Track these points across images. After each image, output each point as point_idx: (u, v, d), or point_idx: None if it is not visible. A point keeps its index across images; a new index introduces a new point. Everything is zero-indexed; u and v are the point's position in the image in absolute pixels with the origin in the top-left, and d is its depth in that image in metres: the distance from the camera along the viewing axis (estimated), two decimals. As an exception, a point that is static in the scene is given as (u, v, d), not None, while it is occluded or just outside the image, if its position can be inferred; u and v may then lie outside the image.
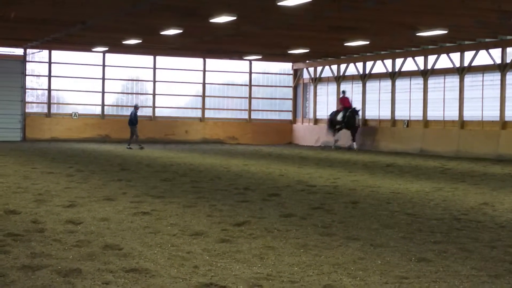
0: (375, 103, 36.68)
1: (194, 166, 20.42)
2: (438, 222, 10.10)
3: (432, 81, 33.11)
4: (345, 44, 31.15)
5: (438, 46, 31.83)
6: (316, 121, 41.01)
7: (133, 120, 31.97)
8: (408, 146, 33.30)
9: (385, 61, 35.63)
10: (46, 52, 38.24)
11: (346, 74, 38.78)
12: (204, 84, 41.27)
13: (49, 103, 38.67)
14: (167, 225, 9.28)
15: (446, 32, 25.84)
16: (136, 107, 32.53)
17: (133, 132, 31.96)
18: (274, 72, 43.29)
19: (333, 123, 35.33)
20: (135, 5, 22.14)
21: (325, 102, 40.37)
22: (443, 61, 32.14)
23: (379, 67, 36.28)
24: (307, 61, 41.22)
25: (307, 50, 34.89)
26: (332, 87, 39.83)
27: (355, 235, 8.81)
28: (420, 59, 33.51)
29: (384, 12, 22.65)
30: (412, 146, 32.92)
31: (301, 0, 19.94)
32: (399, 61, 34.91)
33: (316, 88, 41.17)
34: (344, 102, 35.22)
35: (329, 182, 16.10)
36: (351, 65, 38.11)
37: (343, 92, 36.05)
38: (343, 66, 38.93)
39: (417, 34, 26.75)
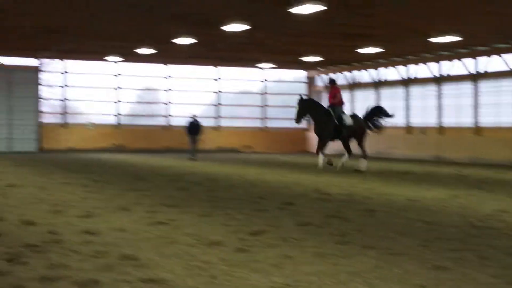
0: (389, 110, 36.55)
1: (209, 175, 20.41)
2: (455, 230, 10.04)
3: (447, 87, 33.01)
4: (358, 51, 31.14)
5: (452, 53, 31.74)
6: (330, 128, 40.91)
7: (198, 129, 31.36)
8: (423, 153, 33.19)
9: (398, 67, 35.55)
10: (60, 62, 38.44)
11: (359, 81, 38.72)
12: (218, 92, 41.33)
13: (64, 113, 38.85)
14: (183, 234, 9.26)
15: (459, 38, 25.78)
16: (194, 117, 31.80)
17: (196, 141, 31.36)
18: (288, 80, 43.29)
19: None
20: (148, 14, 22.22)
21: (339, 109, 40.28)
22: (457, 67, 32.03)
23: (392, 74, 36.21)
24: (321, 69, 41.21)
25: (321, 58, 34.88)
26: (346, 95, 39.76)
27: (371, 243, 8.77)
28: (434, 66, 33.42)
29: (397, 18, 22.62)
30: (428, 153, 32.80)
31: (314, 8, 19.95)
32: (412, 67, 34.82)
33: (330, 95, 41.10)
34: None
35: (344, 190, 16.04)
36: (365, 72, 38.06)
37: (333, 81, 23.54)
38: (357, 74, 38.88)
39: (431, 41, 26.69)
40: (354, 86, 39.00)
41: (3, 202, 12.72)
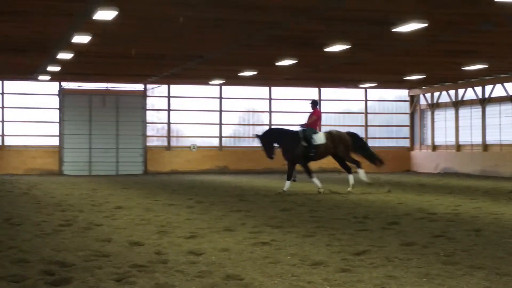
0: (496, 128, 35.72)
1: (312, 196, 20.38)
2: None
3: (556, 103, 32.00)
4: (463, 68, 30.57)
5: (561, 67, 30.80)
6: (434, 147, 40.29)
7: None
8: (532, 171, 32.23)
9: (505, 84, 34.68)
10: (165, 86, 39.31)
11: (464, 99, 38.00)
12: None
13: (168, 136, 39.65)
14: (286, 255, 9.28)
15: None
16: None
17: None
18: (390, 99, 42.90)
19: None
20: (251, 37, 22.47)
21: (443, 128, 39.64)
22: None
23: (499, 90, 35.36)
24: (424, 87, 40.65)
25: (423, 76, 34.41)
26: (450, 113, 39.08)
27: (479, 263, 8.56)
28: (542, 81, 32.50)
29: (502, 34, 22.11)
30: (537, 171, 31.82)
31: (416, 25, 19.75)
32: (520, 83, 33.94)
33: (434, 114, 40.50)
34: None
35: (450, 210, 15.74)
36: (470, 89, 37.31)
37: (312, 102, 22.78)
38: (461, 91, 38.17)
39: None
40: (458, 104, 38.29)
41: (111, 223, 13.05)
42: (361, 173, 22.09)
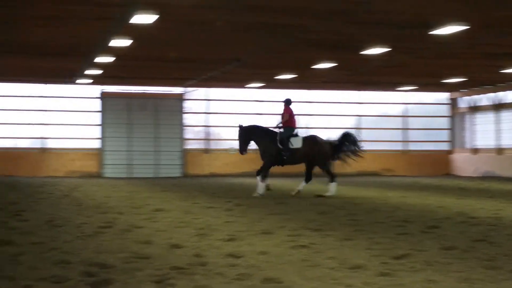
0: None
1: (351, 199, 20.32)
2: None
3: None
4: (502, 71, 30.27)
5: None
6: (474, 150, 39.91)
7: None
8: None
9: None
10: (203, 89, 39.46)
11: (505, 101, 37.60)
12: (359, 116, 41.17)
13: (207, 140, 39.79)
14: (325, 258, 9.26)
15: None
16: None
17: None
18: (430, 102, 42.62)
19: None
20: (288, 40, 22.48)
21: (483, 131, 39.26)
22: None
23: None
24: (464, 90, 40.30)
25: (463, 79, 34.11)
26: (491, 116, 38.69)
27: (521, 268, 8.46)
28: None
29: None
30: None
31: (455, 28, 19.61)
32: (562, 86, 33.48)
33: (474, 117, 40.13)
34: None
35: (491, 214, 15.57)
36: (510, 92, 36.91)
37: (285, 101, 21.99)
38: (501, 94, 37.79)
39: None
40: (499, 107, 37.89)
41: (152, 226, 13.13)
42: (332, 186, 21.23)
